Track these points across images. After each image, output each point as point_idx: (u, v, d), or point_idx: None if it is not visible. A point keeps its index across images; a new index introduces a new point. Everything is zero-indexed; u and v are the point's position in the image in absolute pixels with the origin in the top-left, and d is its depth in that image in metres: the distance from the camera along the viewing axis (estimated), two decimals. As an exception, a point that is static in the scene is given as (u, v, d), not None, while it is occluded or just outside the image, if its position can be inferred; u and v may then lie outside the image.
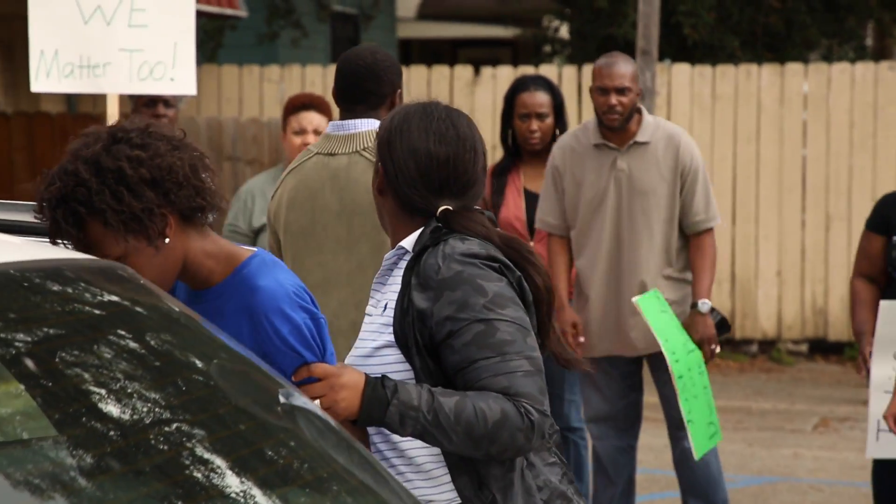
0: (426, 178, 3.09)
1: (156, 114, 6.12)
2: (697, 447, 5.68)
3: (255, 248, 3.16)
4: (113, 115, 5.71)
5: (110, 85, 5.55)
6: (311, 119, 6.12)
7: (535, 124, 6.46)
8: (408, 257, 3.08)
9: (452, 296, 2.98)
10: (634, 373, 6.09)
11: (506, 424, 2.92)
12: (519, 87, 6.54)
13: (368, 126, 4.41)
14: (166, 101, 6.16)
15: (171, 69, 5.58)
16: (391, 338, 3.03)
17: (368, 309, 3.17)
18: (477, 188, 3.15)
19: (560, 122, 6.50)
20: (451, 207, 3.10)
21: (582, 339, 5.96)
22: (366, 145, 4.39)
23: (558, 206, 6.05)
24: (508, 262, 3.06)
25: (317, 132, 6.07)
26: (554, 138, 6.44)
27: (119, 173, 2.94)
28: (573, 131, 6.17)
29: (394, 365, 3.03)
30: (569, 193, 6.01)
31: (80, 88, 5.55)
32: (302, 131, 6.10)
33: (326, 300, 4.25)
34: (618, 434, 6.11)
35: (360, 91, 4.41)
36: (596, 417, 6.11)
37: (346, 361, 3.12)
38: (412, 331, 3.00)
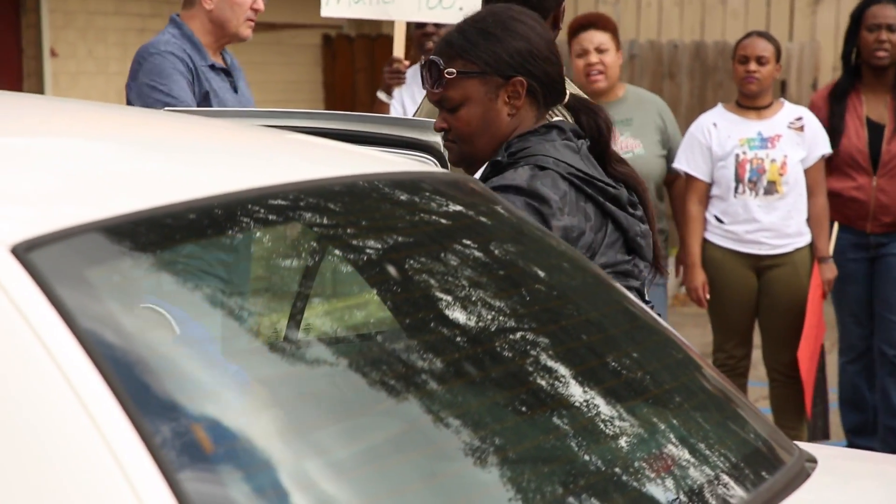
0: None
1: (425, 33, 6.07)
2: None
3: None
4: (400, 40, 5.69)
5: (398, 12, 5.45)
6: (592, 38, 5.87)
7: (884, 34, 6.23)
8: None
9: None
10: None
11: None
12: (869, 1, 6.33)
13: None
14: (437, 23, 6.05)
15: None
16: None
17: None
18: None
19: None
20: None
21: None
22: None
23: None
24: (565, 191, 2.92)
25: (599, 50, 5.85)
26: (902, 58, 6.21)
27: None
28: None
29: None
30: None
31: (369, 14, 5.47)
32: (584, 52, 5.89)
33: None
34: None
35: (525, 5, 3.88)
36: None
37: None
38: None
